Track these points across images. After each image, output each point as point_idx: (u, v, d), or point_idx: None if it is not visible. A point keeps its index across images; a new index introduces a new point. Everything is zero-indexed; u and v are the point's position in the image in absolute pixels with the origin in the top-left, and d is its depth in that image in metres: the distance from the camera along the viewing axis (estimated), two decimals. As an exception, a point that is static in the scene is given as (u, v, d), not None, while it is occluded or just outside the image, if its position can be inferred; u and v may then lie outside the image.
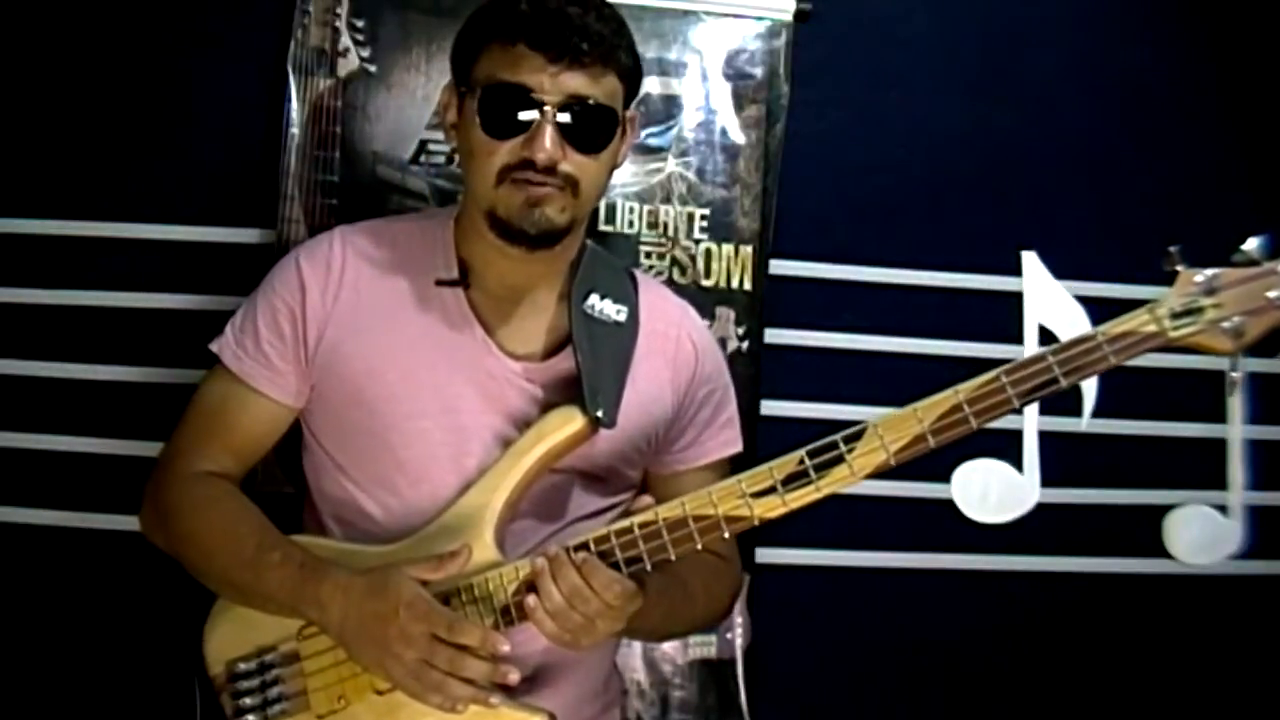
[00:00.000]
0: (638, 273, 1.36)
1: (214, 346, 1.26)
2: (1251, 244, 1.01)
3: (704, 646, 1.77)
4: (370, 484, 1.23)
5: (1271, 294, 1.00)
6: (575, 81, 1.14)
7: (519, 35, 1.13)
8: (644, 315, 1.29)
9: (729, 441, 1.35)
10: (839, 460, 1.05)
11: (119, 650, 1.73)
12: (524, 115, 1.13)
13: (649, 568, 1.09)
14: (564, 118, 1.14)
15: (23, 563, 1.73)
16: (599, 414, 1.18)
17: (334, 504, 1.26)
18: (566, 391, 1.21)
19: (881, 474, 1.06)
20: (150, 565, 1.72)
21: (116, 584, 1.74)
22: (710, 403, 1.34)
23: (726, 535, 1.08)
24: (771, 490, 1.07)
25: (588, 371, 1.19)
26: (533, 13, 1.13)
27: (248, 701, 1.18)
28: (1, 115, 1.73)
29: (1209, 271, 1.01)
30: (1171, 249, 1.02)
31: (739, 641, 1.78)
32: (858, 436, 1.06)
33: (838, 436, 1.06)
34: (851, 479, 1.06)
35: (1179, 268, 1.02)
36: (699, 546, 1.08)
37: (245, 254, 1.72)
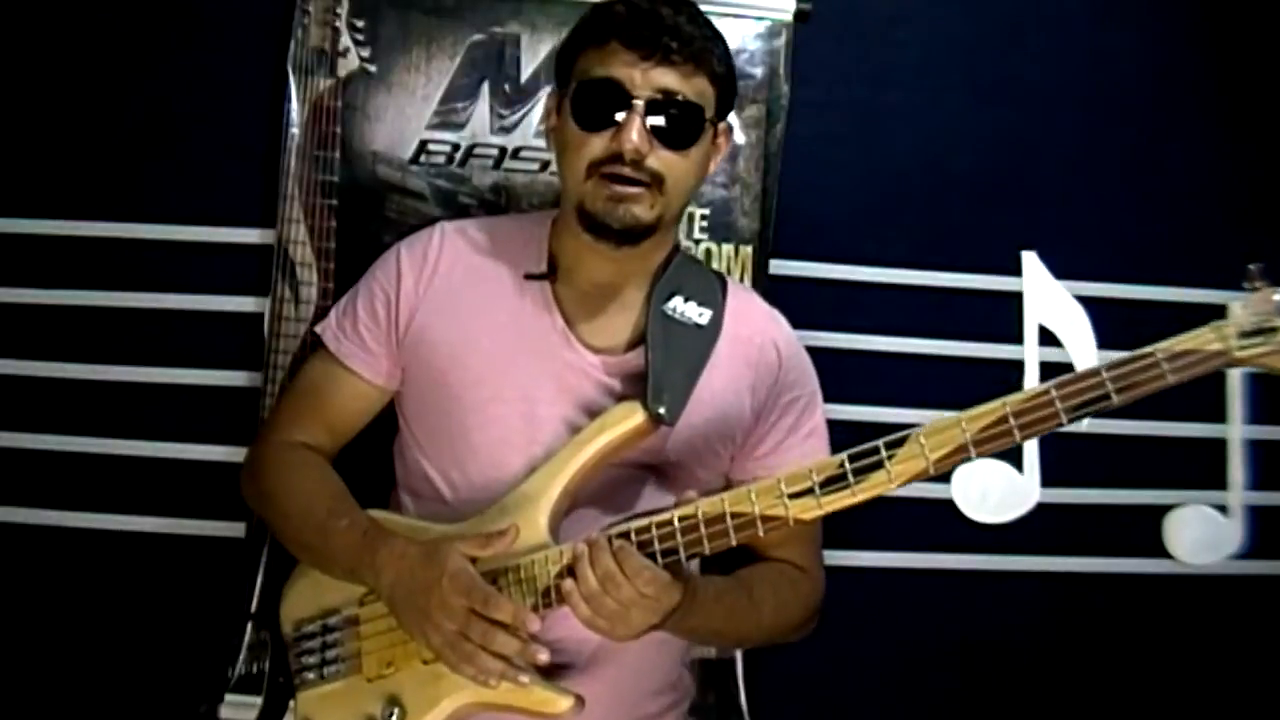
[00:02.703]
0: (730, 279, 1.38)
1: (318, 329, 1.37)
2: None
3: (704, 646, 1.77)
4: (444, 463, 1.28)
5: None
6: (665, 78, 1.17)
7: (611, 34, 1.18)
8: (728, 320, 1.31)
9: (812, 452, 1.33)
10: (878, 466, 1.05)
11: (118, 651, 1.73)
12: (614, 108, 1.17)
13: (684, 560, 1.10)
14: (654, 117, 1.17)
15: (23, 563, 1.73)
16: (660, 410, 1.20)
17: (411, 481, 1.33)
18: (640, 387, 1.23)
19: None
20: (150, 565, 1.74)
21: (116, 584, 1.74)
22: (793, 411, 1.34)
23: (762, 534, 1.09)
24: (809, 492, 1.07)
25: (656, 369, 1.22)
26: (626, 13, 1.18)
27: (308, 660, 1.25)
28: (2, 115, 1.73)
29: None
30: (1253, 266, 0.96)
31: (739, 641, 1.77)
32: (900, 443, 1.05)
33: (880, 441, 1.05)
34: (889, 485, 1.05)
35: (1258, 284, 0.96)
36: (734, 543, 1.09)
37: (245, 254, 1.72)
